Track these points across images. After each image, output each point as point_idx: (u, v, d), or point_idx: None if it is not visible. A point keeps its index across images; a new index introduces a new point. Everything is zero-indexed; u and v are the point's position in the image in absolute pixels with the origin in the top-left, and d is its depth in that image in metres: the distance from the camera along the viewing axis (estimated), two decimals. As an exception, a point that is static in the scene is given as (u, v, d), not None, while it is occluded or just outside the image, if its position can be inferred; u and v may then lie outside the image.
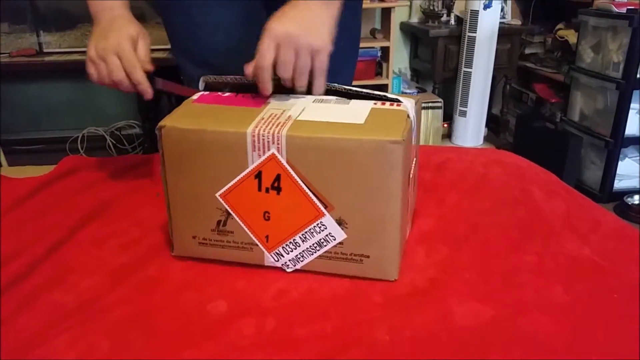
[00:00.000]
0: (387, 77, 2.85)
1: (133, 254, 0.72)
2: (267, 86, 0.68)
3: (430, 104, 2.75)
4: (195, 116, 0.66)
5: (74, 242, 0.76)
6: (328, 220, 0.63)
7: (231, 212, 0.66)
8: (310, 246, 0.65)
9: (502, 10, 2.77)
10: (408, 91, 2.92)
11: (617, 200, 2.29)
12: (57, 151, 2.50)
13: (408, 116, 0.64)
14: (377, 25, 2.97)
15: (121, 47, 0.73)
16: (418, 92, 2.93)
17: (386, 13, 2.82)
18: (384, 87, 2.84)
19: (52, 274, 0.68)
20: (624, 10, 2.16)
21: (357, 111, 0.64)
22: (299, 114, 0.64)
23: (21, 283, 0.66)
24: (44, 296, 0.64)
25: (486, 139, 2.99)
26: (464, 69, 2.74)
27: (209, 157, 0.64)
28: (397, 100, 0.67)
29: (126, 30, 0.75)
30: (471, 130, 2.87)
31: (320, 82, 0.70)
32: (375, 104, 0.67)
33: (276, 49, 0.67)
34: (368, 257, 0.64)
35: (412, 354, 0.54)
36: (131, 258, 0.71)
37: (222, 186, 0.64)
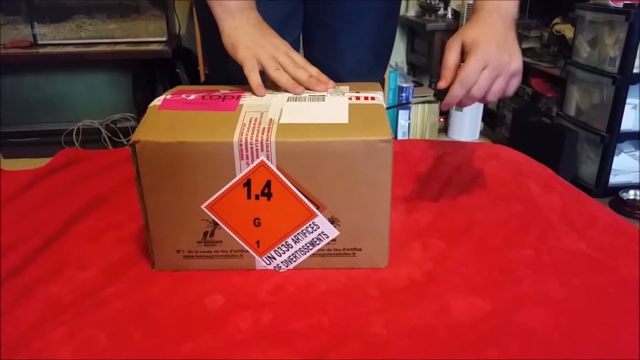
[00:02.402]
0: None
1: (129, 248, 0.72)
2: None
3: (426, 98, 2.75)
4: (168, 126, 0.62)
5: (70, 236, 0.75)
6: (320, 220, 0.63)
7: (219, 222, 0.64)
8: (303, 246, 0.65)
9: (499, 4, 2.76)
10: (404, 85, 2.91)
11: (612, 195, 2.30)
12: (52, 144, 2.48)
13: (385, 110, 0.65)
14: (374, 19, 2.96)
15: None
16: (415, 86, 2.93)
17: (383, 6, 2.81)
18: (380, 82, 2.83)
19: (48, 267, 0.68)
20: (620, 5, 2.16)
21: (336, 109, 0.64)
22: (280, 116, 0.63)
23: (17, 276, 0.66)
24: (40, 289, 0.63)
25: (482, 133, 2.99)
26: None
27: (190, 169, 0.61)
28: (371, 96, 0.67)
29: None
30: (467, 124, 2.87)
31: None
32: (350, 99, 0.66)
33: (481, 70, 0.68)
34: (360, 250, 0.65)
35: (409, 348, 0.54)
36: (127, 252, 0.71)
37: (207, 197, 0.62)
